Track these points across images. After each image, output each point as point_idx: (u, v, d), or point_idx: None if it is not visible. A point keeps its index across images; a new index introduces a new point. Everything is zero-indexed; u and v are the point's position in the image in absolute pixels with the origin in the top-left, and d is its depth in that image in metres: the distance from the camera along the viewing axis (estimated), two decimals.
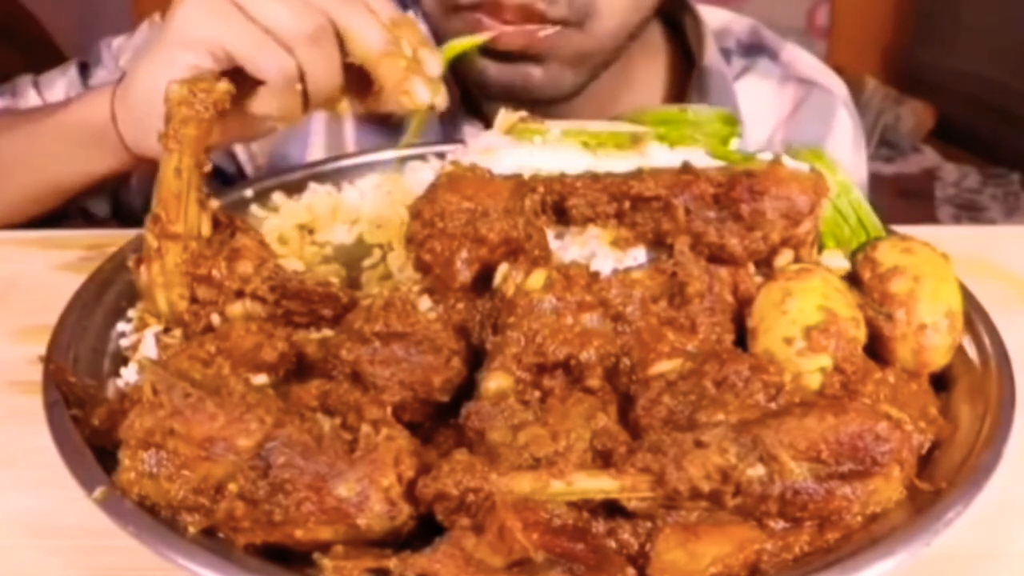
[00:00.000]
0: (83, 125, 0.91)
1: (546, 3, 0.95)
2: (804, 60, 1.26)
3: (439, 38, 1.05)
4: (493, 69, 1.02)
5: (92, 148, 0.92)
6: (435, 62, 0.80)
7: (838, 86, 1.27)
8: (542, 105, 1.04)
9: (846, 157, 1.23)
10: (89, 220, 1.14)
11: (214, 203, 0.73)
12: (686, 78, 1.18)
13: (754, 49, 1.24)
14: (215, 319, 0.70)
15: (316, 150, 1.16)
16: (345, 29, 0.78)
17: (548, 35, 0.97)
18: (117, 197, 1.12)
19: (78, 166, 0.95)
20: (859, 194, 0.80)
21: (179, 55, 0.78)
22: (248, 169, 1.18)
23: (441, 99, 0.81)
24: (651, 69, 1.20)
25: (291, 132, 1.14)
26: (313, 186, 0.92)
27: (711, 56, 1.17)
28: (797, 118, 1.23)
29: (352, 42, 0.78)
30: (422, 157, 0.93)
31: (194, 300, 0.70)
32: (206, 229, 0.71)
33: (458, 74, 1.07)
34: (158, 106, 0.73)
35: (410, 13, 0.85)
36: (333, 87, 0.79)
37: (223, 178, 1.17)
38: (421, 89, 0.77)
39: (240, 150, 1.17)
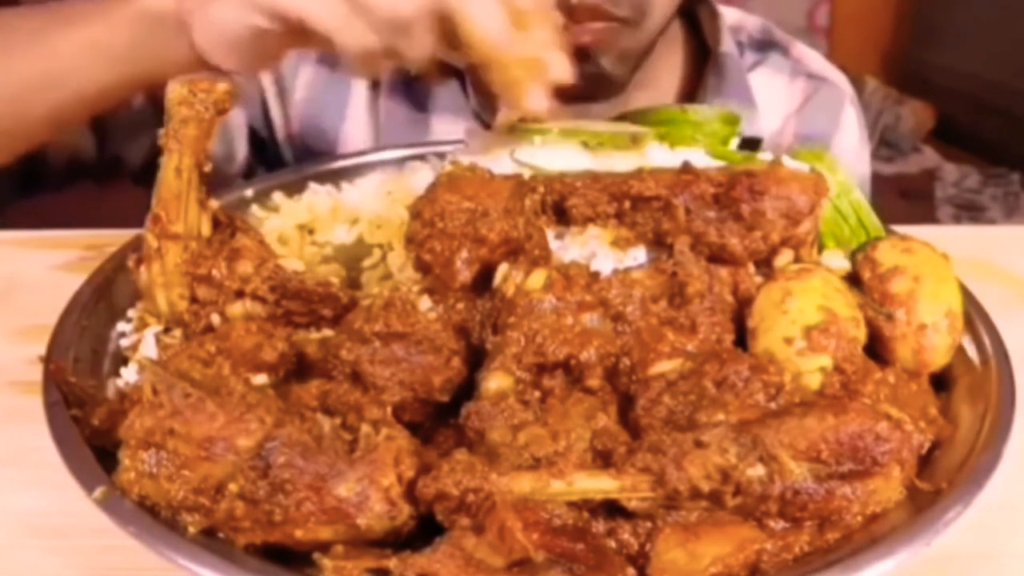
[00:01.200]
0: (158, 11, 0.85)
1: (612, 4, 0.99)
2: (813, 57, 1.29)
3: None
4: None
5: (163, 35, 0.85)
6: (563, 66, 0.74)
7: (845, 84, 1.29)
8: (604, 97, 1.09)
9: (852, 152, 1.26)
10: (117, 170, 1.11)
11: (214, 203, 0.73)
12: (703, 67, 1.21)
13: (766, 45, 1.27)
14: (215, 319, 0.70)
15: (353, 122, 1.16)
16: (460, 16, 0.72)
17: (608, 30, 1.01)
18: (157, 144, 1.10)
19: (158, 58, 0.87)
20: (859, 194, 0.80)
21: (250, 15, 0.74)
22: (280, 135, 1.18)
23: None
24: (671, 60, 1.23)
25: (327, 102, 1.15)
26: (313, 186, 0.92)
27: (727, 43, 1.20)
28: (806, 111, 1.25)
29: (466, 33, 0.72)
30: (422, 157, 0.93)
31: (194, 300, 0.70)
32: (206, 229, 0.71)
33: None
34: (225, 43, 0.74)
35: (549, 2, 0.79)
36: (421, 67, 0.75)
37: (256, 141, 1.17)
38: (536, 99, 0.73)
39: (276, 112, 1.17)
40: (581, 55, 1.01)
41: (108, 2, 0.88)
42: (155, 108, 1.07)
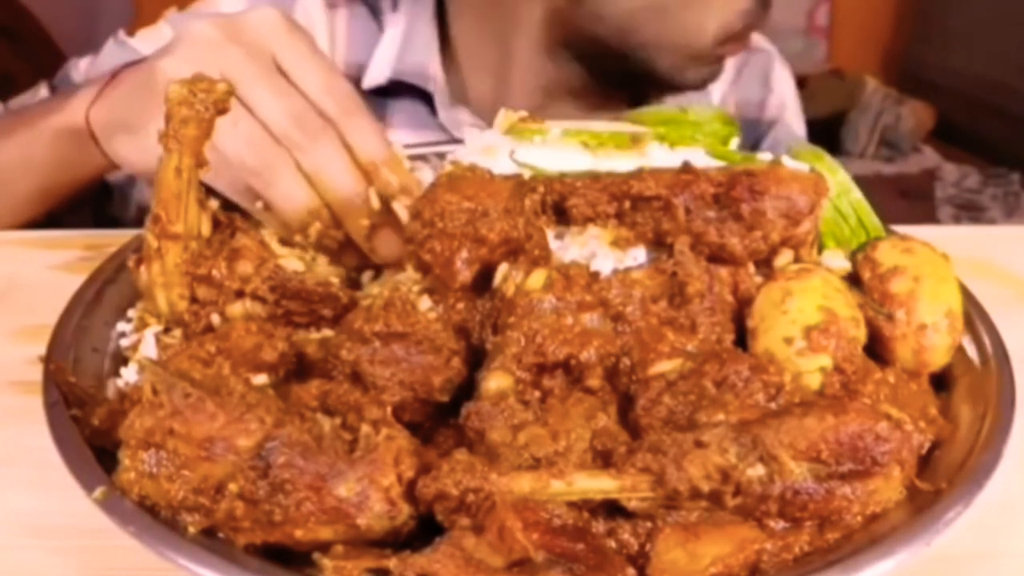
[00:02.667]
0: (73, 126, 0.92)
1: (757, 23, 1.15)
2: None
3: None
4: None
5: (77, 147, 0.92)
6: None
7: (769, 46, 1.37)
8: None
9: (789, 110, 1.34)
10: None
11: (214, 203, 0.73)
12: None
13: None
14: (215, 319, 0.70)
15: None
16: (309, 170, 0.76)
17: None
18: (99, 210, 1.13)
19: (75, 167, 0.96)
20: (859, 194, 0.80)
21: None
22: None
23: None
24: None
25: None
26: None
27: None
28: (741, 81, 1.32)
29: (315, 184, 0.76)
30: (423, 157, 0.93)
31: (194, 300, 0.70)
32: (206, 229, 0.71)
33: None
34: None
35: (398, 146, 0.82)
36: (290, 221, 0.77)
37: None
38: (386, 246, 0.75)
39: None
40: None
41: (35, 116, 0.98)
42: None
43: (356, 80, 1.20)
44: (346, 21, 1.23)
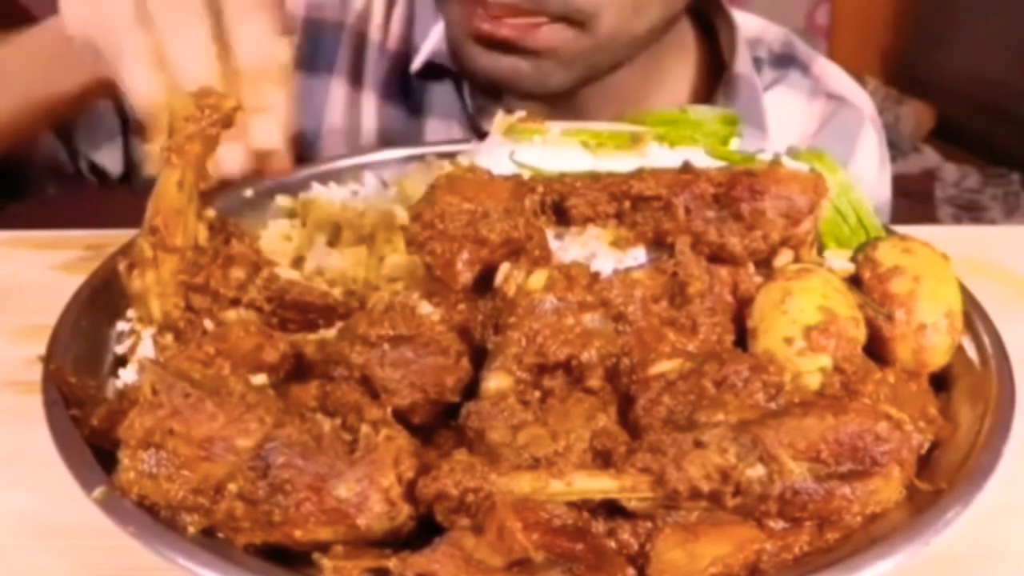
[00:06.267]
0: (51, 38, 0.87)
1: (533, 3, 0.92)
2: (834, 75, 1.24)
3: (446, 22, 1.04)
4: (484, 59, 0.98)
5: (61, 61, 0.88)
6: (267, 132, 0.69)
7: (866, 103, 1.24)
8: (548, 99, 1.02)
9: (871, 177, 1.21)
10: (101, 179, 1.12)
11: (211, 212, 0.72)
12: (714, 82, 1.16)
13: (785, 61, 1.22)
14: (208, 324, 0.70)
15: (333, 122, 1.15)
16: (161, 55, 0.68)
17: (544, 31, 0.94)
18: (129, 151, 1.11)
19: (51, 82, 0.92)
20: (859, 194, 0.80)
21: None
22: None
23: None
24: (680, 69, 1.18)
25: (304, 106, 1.14)
26: (316, 186, 0.92)
27: (742, 63, 1.14)
28: (823, 134, 1.20)
29: (163, 70, 0.68)
30: (421, 158, 0.93)
31: (188, 308, 0.70)
32: (202, 238, 0.71)
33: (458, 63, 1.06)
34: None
35: (285, 53, 0.72)
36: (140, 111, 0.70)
37: None
38: (230, 160, 0.70)
39: None
40: (508, 48, 0.96)
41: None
42: (121, 115, 1.08)
43: (404, 61, 1.15)
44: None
